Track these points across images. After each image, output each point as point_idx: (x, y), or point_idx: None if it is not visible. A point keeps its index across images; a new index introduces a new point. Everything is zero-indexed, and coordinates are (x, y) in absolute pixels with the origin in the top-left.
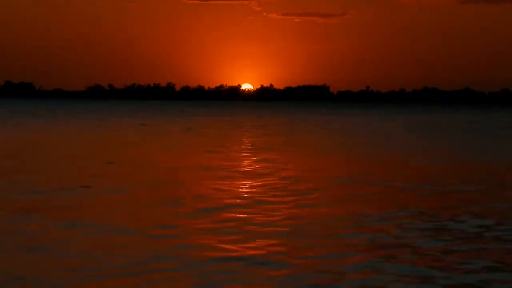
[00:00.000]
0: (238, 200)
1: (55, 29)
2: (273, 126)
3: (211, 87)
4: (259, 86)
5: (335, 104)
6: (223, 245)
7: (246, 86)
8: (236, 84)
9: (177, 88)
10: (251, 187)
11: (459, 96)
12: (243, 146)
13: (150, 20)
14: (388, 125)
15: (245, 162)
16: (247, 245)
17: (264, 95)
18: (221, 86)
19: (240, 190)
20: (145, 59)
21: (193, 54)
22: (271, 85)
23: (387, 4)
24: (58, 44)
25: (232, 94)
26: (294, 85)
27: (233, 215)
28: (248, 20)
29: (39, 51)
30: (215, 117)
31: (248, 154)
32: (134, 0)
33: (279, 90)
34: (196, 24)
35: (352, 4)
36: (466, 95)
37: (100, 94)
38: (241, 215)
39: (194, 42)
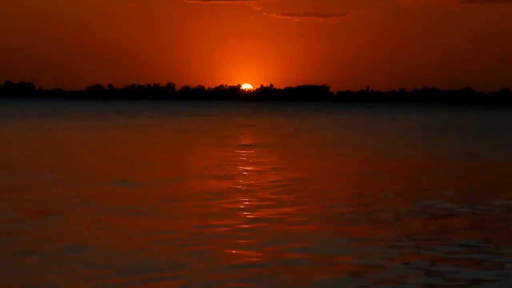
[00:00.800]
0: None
1: (55, 29)
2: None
3: (211, 87)
4: (259, 86)
5: (336, 104)
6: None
7: (246, 86)
8: (236, 84)
9: (177, 88)
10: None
11: (459, 96)
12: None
13: (150, 20)
14: (406, 124)
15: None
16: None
17: (264, 95)
18: (221, 86)
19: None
20: (145, 59)
21: (193, 54)
22: (271, 85)
23: (387, 4)
24: (58, 44)
25: (232, 94)
26: (294, 85)
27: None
28: (248, 20)
29: (39, 51)
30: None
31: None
32: (134, 0)
33: (279, 90)
34: (196, 24)
35: (352, 4)
36: (466, 95)
37: (100, 94)
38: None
39: (194, 42)
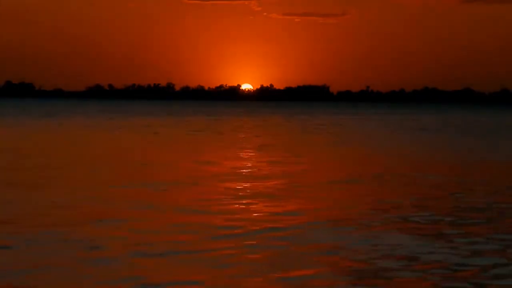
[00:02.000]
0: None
1: (55, 29)
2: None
3: (211, 87)
4: (259, 86)
5: (336, 104)
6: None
7: (246, 86)
8: (236, 84)
9: (177, 88)
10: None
11: (459, 96)
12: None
13: (150, 20)
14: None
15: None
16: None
17: (264, 95)
18: (221, 86)
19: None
20: (145, 59)
21: (193, 54)
22: (271, 85)
23: (387, 4)
24: (58, 44)
25: (232, 94)
26: (294, 85)
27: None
28: (248, 20)
29: (39, 51)
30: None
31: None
32: (134, 0)
33: (279, 90)
34: (196, 24)
35: (352, 4)
36: (466, 95)
37: (100, 94)
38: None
39: (194, 42)
